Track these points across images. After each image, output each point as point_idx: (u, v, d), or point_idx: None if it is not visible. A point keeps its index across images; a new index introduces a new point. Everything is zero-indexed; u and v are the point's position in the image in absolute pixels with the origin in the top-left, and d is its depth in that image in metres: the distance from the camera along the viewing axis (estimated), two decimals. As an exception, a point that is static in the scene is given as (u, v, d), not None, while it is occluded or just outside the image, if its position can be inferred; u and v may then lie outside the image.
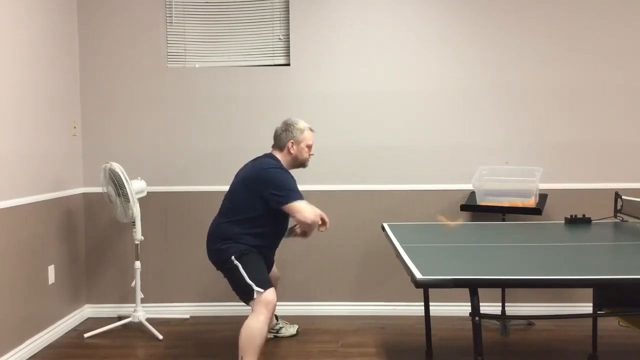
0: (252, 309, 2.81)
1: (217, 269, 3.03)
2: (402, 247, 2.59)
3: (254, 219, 2.95)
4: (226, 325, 3.81)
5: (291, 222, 3.14)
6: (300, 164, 3.17)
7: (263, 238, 3.00)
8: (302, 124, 3.14)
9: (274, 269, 3.40)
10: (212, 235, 3.04)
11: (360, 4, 3.99)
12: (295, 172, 3.14)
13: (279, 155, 3.11)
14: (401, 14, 3.98)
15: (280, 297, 3.64)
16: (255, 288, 2.80)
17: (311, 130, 3.17)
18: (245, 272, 2.85)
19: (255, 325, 2.74)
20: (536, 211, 3.58)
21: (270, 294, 2.81)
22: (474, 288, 2.06)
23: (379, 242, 3.91)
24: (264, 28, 4.09)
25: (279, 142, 3.13)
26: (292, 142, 3.09)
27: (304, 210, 2.88)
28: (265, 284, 2.83)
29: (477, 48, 3.97)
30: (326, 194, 3.94)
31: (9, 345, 3.16)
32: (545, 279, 2.12)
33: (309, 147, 3.15)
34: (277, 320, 3.62)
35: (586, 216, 3.32)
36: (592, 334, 3.11)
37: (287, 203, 2.87)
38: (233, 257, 2.89)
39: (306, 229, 3.01)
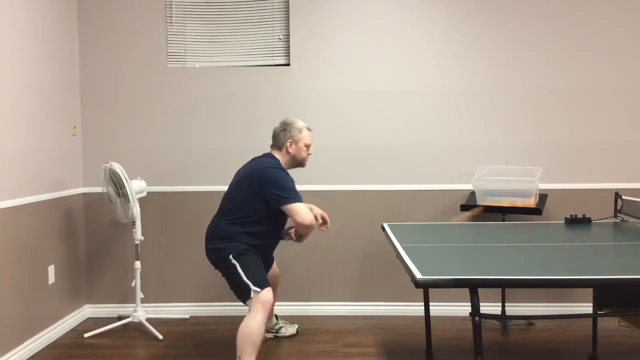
0: (249, 309, 2.82)
1: (215, 268, 3.04)
2: (402, 247, 2.59)
3: (252, 218, 2.95)
4: (226, 325, 3.81)
5: (289, 223, 3.14)
6: (299, 163, 3.17)
7: (261, 237, 3.01)
8: (300, 123, 3.15)
9: (275, 267, 3.41)
10: (210, 234, 3.05)
11: (361, 4, 3.99)
12: (294, 172, 3.15)
13: (277, 154, 3.12)
14: (401, 14, 3.99)
15: (280, 297, 3.65)
16: (253, 287, 2.81)
17: (309, 129, 3.18)
18: (242, 271, 2.86)
19: (252, 324, 2.75)
20: (536, 211, 3.58)
21: (267, 293, 2.82)
22: (474, 288, 2.06)
23: (379, 242, 3.90)
24: (264, 28, 4.09)
25: (278, 141, 3.14)
26: (291, 142, 3.10)
27: (302, 212, 2.90)
28: (263, 284, 2.84)
29: (477, 48, 3.97)
30: (326, 194, 3.94)
31: (9, 345, 3.16)
32: (545, 279, 2.12)
33: (307, 146, 3.16)
34: (277, 320, 3.62)
35: (586, 216, 3.32)
36: (592, 334, 3.11)
37: (287, 203, 2.89)
38: (231, 256, 2.90)
39: (302, 232, 3.03)
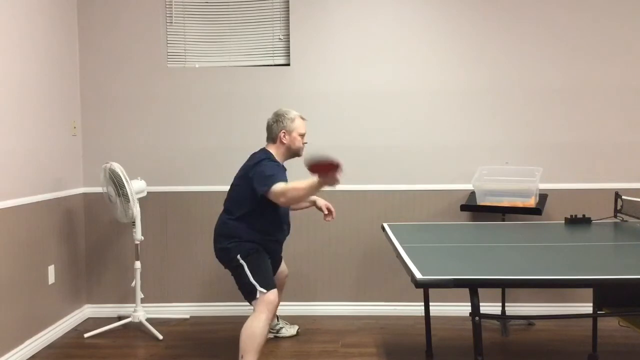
0: (254, 309, 2.83)
1: (225, 267, 3.04)
2: (402, 247, 2.59)
3: (254, 213, 2.95)
4: (226, 325, 3.81)
5: (293, 215, 3.13)
6: (295, 153, 3.13)
7: (267, 232, 3.01)
8: (292, 113, 3.12)
9: (283, 266, 3.41)
10: (218, 233, 3.05)
11: (361, 4, 3.99)
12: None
13: (272, 147, 3.10)
14: (401, 14, 3.99)
15: (281, 297, 3.64)
16: (259, 288, 2.81)
17: (303, 118, 3.14)
18: (250, 271, 2.86)
19: (256, 324, 2.75)
20: (536, 211, 3.58)
21: (272, 294, 2.83)
22: (474, 288, 2.06)
23: (379, 242, 3.91)
24: (264, 28, 4.09)
25: (271, 133, 3.11)
26: (284, 132, 3.07)
27: (278, 193, 2.78)
28: (269, 285, 2.85)
29: (477, 48, 3.97)
30: (326, 194, 3.92)
31: (9, 345, 3.16)
32: (545, 279, 2.13)
33: (302, 135, 3.12)
34: (278, 321, 3.62)
35: (586, 216, 3.32)
36: (592, 334, 3.11)
37: (266, 192, 2.82)
38: (239, 256, 2.90)
39: (299, 203, 3.03)
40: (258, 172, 2.90)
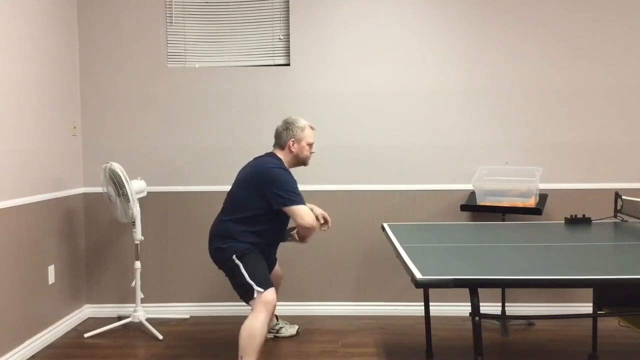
0: (252, 309, 2.82)
1: (219, 268, 3.03)
2: (402, 247, 2.59)
3: (255, 217, 2.96)
4: (226, 325, 3.81)
5: (291, 223, 3.14)
6: (302, 162, 3.17)
7: (264, 236, 3.01)
8: (302, 122, 3.15)
9: (277, 268, 3.41)
10: (213, 234, 3.05)
11: (361, 4, 3.99)
12: (295, 172, 3.15)
13: (280, 154, 3.12)
14: (401, 14, 3.99)
15: (280, 297, 3.64)
16: (256, 288, 2.81)
17: (312, 128, 3.18)
18: (245, 271, 2.86)
19: (254, 324, 2.75)
20: (536, 211, 3.58)
21: (270, 294, 2.82)
22: (474, 288, 2.06)
23: (379, 242, 3.91)
24: (264, 28, 4.09)
25: (280, 140, 3.14)
26: (293, 141, 3.10)
27: (304, 214, 2.89)
28: (266, 284, 2.84)
29: (477, 48, 3.97)
30: (326, 194, 3.94)
31: (9, 345, 3.16)
32: (545, 279, 2.12)
33: (310, 145, 3.16)
34: (277, 321, 3.62)
35: (586, 216, 3.32)
36: (592, 334, 3.11)
37: (289, 205, 2.89)
38: (234, 257, 2.90)
39: (305, 234, 3.02)
40: (278, 183, 2.92)
